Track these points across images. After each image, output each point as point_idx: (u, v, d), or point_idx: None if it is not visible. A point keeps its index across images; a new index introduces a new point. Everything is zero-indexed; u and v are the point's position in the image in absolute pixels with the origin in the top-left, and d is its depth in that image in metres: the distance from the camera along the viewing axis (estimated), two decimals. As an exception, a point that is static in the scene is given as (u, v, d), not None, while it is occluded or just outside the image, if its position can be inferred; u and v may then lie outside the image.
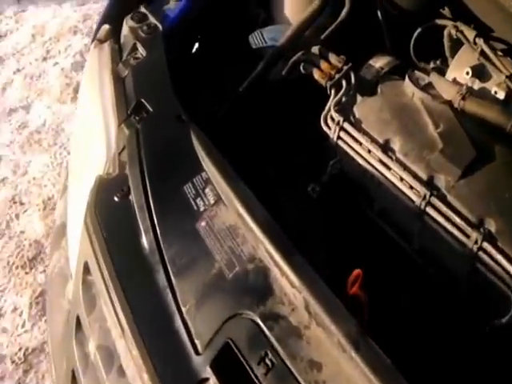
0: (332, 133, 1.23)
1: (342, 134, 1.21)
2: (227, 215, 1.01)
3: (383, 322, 0.91)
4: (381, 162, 1.13)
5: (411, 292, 1.08)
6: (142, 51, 1.35)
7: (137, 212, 1.04)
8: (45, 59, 3.09)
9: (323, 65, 1.41)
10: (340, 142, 1.22)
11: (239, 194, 1.00)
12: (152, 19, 1.43)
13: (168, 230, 1.01)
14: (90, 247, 1.02)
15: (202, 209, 1.04)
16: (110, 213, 1.09)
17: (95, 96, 1.25)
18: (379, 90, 1.30)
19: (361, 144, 1.17)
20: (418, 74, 1.28)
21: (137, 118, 1.20)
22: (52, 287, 1.32)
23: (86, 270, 1.02)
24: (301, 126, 1.40)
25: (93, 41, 1.48)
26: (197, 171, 1.08)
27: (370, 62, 1.39)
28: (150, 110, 1.21)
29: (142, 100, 1.22)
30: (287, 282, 0.88)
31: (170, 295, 0.93)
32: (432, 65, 1.31)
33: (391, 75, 1.34)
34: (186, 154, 1.11)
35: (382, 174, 1.13)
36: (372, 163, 1.15)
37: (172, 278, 0.96)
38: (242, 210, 0.99)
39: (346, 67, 1.38)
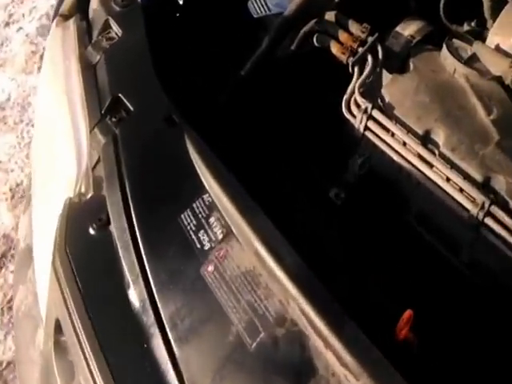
0: (357, 122, 1.06)
1: (371, 124, 1.04)
2: (242, 256, 0.79)
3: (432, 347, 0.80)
4: (420, 157, 0.96)
5: (460, 309, 0.93)
6: (116, 30, 1.12)
7: (120, 251, 0.85)
8: (7, 24, 2.73)
9: (342, 36, 1.18)
10: (368, 134, 1.05)
11: (257, 226, 0.79)
12: None
13: (164, 278, 0.80)
14: (61, 300, 0.85)
15: (206, 247, 0.82)
16: (85, 251, 0.89)
17: (59, 90, 1.01)
18: (412, 65, 1.13)
19: (394, 135, 1.01)
20: (457, 42, 1.12)
21: (114, 119, 0.98)
22: (19, 331, 1.07)
23: (58, 328, 0.77)
24: (316, 113, 1.23)
25: (54, 17, 1.18)
26: (197, 193, 0.86)
27: (397, 29, 1.19)
28: (131, 108, 0.99)
29: (120, 95, 1.00)
30: (335, 357, 0.67)
31: (171, 372, 0.72)
32: (466, 27, 1.15)
33: (424, 45, 1.17)
34: (182, 168, 0.90)
35: (421, 172, 0.96)
36: (409, 159, 0.98)
37: (173, 347, 0.74)
38: (262, 250, 0.78)
39: (371, 38, 1.15)
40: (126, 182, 0.88)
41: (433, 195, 0.96)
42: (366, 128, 1.05)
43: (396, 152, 1.01)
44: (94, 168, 0.95)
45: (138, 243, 0.83)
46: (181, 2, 1.34)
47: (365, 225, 1.06)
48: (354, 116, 1.07)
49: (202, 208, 0.83)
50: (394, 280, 0.93)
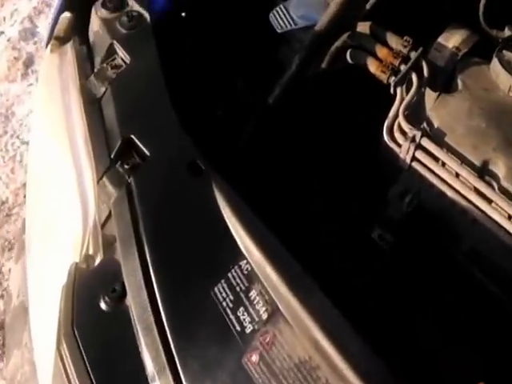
0: (403, 152, 0.97)
1: (419, 154, 0.95)
2: (294, 342, 0.65)
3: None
4: (477, 192, 0.88)
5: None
6: (123, 56, 0.96)
7: (140, 334, 0.70)
8: (-13, 29, 2.52)
9: (380, 51, 1.04)
10: (416, 165, 0.95)
11: (312, 304, 0.66)
12: (134, 5, 1.03)
13: (196, 370, 0.67)
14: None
15: (248, 329, 0.68)
16: (97, 332, 0.75)
17: (58, 130, 0.86)
18: (460, 83, 1.02)
19: (445, 166, 0.92)
20: (508, 54, 1.01)
21: (126, 166, 0.84)
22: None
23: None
24: (350, 141, 1.12)
25: (48, 41, 1.01)
26: (232, 259, 0.72)
27: (440, 40, 1.07)
28: (147, 153, 0.84)
29: (132, 137, 0.85)
30: None
31: None
32: (508, 32, 1.03)
33: (471, 58, 1.05)
34: (212, 228, 0.76)
35: (478, 208, 0.87)
36: (464, 194, 0.89)
37: None
38: (319, 335, 0.64)
39: (414, 54, 1.02)
40: (144, 245, 0.74)
41: (491, 234, 0.87)
42: (414, 159, 0.96)
43: (449, 186, 0.92)
44: (103, 225, 0.82)
45: (162, 324, 0.70)
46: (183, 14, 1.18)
47: (413, 269, 0.98)
48: (398, 145, 0.98)
49: (240, 278, 0.69)
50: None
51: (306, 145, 1.09)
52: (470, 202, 0.89)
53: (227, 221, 0.74)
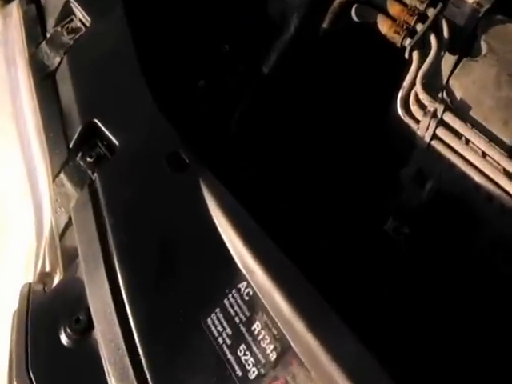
0: (421, 129, 0.86)
1: (440, 131, 0.85)
2: None
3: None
4: (507, 174, 0.80)
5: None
6: (82, 16, 0.79)
7: (111, 378, 0.56)
8: None
9: (393, 7, 0.91)
10: (436, 144, 0.86)
11: (333, 343, 0.52)
12: None
13: None
14: None
15: (252, 374, 0.53)
16: (57, 373, 0.60)
17: (2, 114, 0.65)
18: (484, 46, 0.90)
19: (469, 144, 0.83)
20: None
21: (89, 159, 0.68)
22: None
23: None
24: (357, 115, 1.00)
25: (-13, -1, 0.84)
26: (229, 281, 0.58)
27: None
28: (115, 142, 0.67)
29: (96, 121, 0.69)
30: None
31: None
32: None
33: (495, 15, 0.93)
34: (200, 239, 0.61)
35: (507, 193, 0.80)
36: (491, 176, 0.81)
37: None
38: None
39: (432, 10, 0.89)
40: (114, 262, 0.60)
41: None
42: (435, 136, 0.86)
43: (474, 167, 0.84)
44: (62, 235, 0.67)
45: (140, 366, 0.55)
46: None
47: (431, 263, 0.89)
48: (416, 120, 0.87)
49: (239, 306, 0.55)
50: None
51: (308, 123, 0.93)
52: (498, 185, 0.81)
53: (220, 230, 0.59)
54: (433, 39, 0.88)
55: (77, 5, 0.79)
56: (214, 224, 0.60)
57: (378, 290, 0.75)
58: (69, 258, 0.64)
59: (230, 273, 0.57)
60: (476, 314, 0.85)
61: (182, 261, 0.59)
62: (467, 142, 0.85)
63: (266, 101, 0.85)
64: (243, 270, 0.57)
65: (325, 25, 0.93)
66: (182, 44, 0.87)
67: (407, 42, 0.88)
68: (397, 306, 0.78)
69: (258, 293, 0.56)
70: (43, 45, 0.78)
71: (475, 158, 0.84)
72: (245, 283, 0.57)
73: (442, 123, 0.85)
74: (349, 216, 0.88)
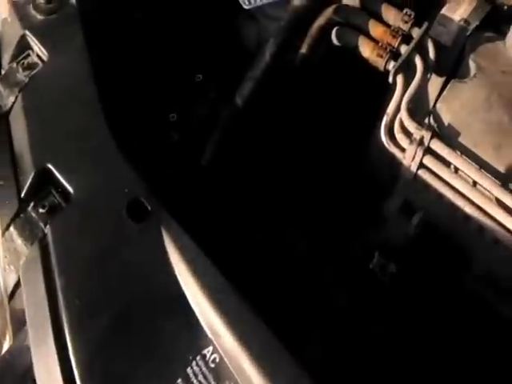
0: (408, 157, 0.83)
1: (428, 160, 0.81)
2: None
3: None
4: (500, 203, 0.77)
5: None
6: (39, 51, 0.74)
7: None
8: None
9: (375, 29, 0.88)
10: (423, 174, 0.83)
11: None
12: None
13: None
14: None
15: None
16: None
17: None
18: (472, 65, 0.87)
19: (459, 172, 0.81)
20: None
21: (41, 210, 0.62)
22: None
23: None
24: (340, 145, 0.95)
25: None
26: (193, 346, 0.52)
27: (444, 11, 0.91)
28: (70, 190, 0.62)
29: (50, 166, 0.64)
30: None
31: None
32: None
33: (484, 32, 0.89)
34: (162, 299, 0.55)
35: (500, 224, 0.77)
36: (482, 207, 0.78)
37: None
38: None
39: (417, 31, 0.86)
40: (65, 328, 0.54)
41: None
42: (422, 166, 0.82)
43: (463, 197, 0.80)
44: (11, 296, 0.61)
45: None
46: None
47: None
48: (401, 148, 0.84)
49: (204, 375, 0.50)
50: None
51: (285, 154, 0.89)
52: (490, 216, 0.78)
53: (184, 288, 0.53)
54: (418, 61, 0.84)
55: (34, 38, 0.75)
56: (177, 281, 0.54)
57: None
58: (18, 323, 0.59)
59: (194, 337, 0.52)
60: (465, 352, 0.82)
61: (140, 325, 0.54)
62: (456, 170, 0.82)
63: (240, 132, 0.79)
64: (209, 333, 0.52)
65: (303, 50, 0.89)
66: (152, 77, 0.83)
67: (391, 66, 0.84)
68: (386, 351, 0.74)
69: (226, 359, 0.51)
70: (-4, 84, 0.74)
71: (465, 188, 0.80)
72: (210, 348, 0.52)
73: (429, 151, 0.82)
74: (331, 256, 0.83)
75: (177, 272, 0.55)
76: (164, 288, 0.54)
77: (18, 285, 0.60)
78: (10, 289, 0.61)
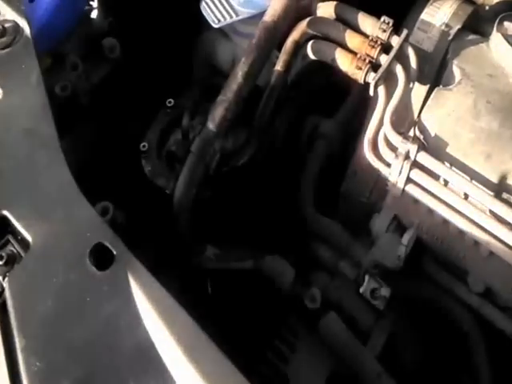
0: (394, 173, 0.78)
1: (416, 174, 0.77)
2: None
3: None
4: (494, 215, 0.73)
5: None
6: None
7: None
8: None
9: (352, 40, 0.82)
10: (411, 189, 0.78)
11: None
12: (7, 11, 0.75)
13: None
14: None
15: None
16: None
17: None
18: (456, 71, 0.82)
19: (448, 186, 0.77)
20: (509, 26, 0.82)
21: (1, 262, 0.57)
22: None
23: None
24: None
25: None
26: None
27: (424, 16, 0.88)
28: (28, 238, 0.57)
29: (6, 214, 0.59)
30: None
31: None
32: None
33: (467, 35, 0.86)
34: (130, 355, 0.50)
35: (495, 237, 0.73)
36: (475, 220, 0.74)
37: None
38: None
39: (396, 39, 0.80)
40: None
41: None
42: (409, 180, 0.78)
43: (456, 211, 0.75)
44: None
45: None
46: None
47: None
48: (386, 164, 0.79)
49: None
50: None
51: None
52: (483, 229, 0.74)
53: (155, 341, 0.48)
54: (399, 70, 0.80)
55: None
56: (147, 334, 0.49)
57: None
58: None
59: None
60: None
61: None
62: (446, 183, 0.77)
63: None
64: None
65: (278, 67, 0.84)
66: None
67: (371, 77, 0.79)
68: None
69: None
70: None
71: (456, 201, 0.75)
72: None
73: (416, 165, 0.77)
74: None
75: (147, 323, 0.50)
76: (133, 343, 0.49)
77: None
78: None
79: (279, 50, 0.84)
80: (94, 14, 0.88)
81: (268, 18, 0.78)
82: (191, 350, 0.47)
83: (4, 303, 0.53)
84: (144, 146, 0.82)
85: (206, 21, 0.92)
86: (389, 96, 0.79)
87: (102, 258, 0.54)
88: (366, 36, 0.80)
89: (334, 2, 0.84)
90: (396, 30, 0.80)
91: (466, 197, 0.76)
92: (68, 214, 0.56)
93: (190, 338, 0.47)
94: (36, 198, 0.59)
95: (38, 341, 0.50)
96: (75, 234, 0.55)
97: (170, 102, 0.86)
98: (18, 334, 0.51)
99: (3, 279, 0.56)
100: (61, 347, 0.50)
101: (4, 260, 0.56)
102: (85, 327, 0.51)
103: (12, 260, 0.56)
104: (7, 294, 0.53)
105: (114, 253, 0.54)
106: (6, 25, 0.73)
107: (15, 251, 0.57)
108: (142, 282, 0.52)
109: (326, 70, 0.96)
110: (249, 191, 0.92)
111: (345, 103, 0.97)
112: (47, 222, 0.57)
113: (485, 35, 0.86)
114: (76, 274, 0.53)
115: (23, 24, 0.73)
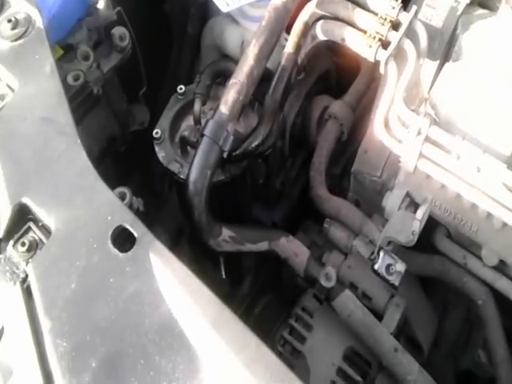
0: (406, 149, 0.78)
1: (428, 149, 0.77)
2: None
3: None
4: (507, 187, 0.72)
5: None
6: (8, 80, 0.69)
7: None
8: None
9: (362, 19, 0.81)
10: (424, 164, 0.78)
11: None
12: (19, 2, 0.75)
13: None
14: None
15: None
16: None
17: None
18: (467, 47, 0.81)
19: (460, 160, 0.76)
20: None
21: (21, 247, 0.58)
22: None
23: None
24: None
25: None
26: (189, 373, 0.48)
27: None
28: (50, 223, 0.57)
29: (27, 201, 0.60)
30: None
31: None
32: None
33: (475, 9, 0.85)
34: (154, 330, 0.51)
35: (508, 208, 0.72)
36: (489, 192, 0.74)
37: None
38: None
39: (406, 15, 0.79)
40: (53, 372, 0.50)
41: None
42: (421, 155, 0.78)
43: (469, 184, 0.76)
44: None
45: None
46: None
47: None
48: (398, 140, 0.79)
49: None
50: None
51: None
52: (496, 201, 0.74)
53: (178, 317, 0.48)
54: (409, 47, 0.79)
55: (1, 66, 0.70)
56: (170, 311, 0.50)
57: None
58: (5, 372, 0.54)
59: (192, 367, 0.47)
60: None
61: (134, 364, 0.49)
62: (458, 157, 0.77)
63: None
64: (208, 363, 0.48)
65: (288, 48, 0.84)
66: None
67: (381, 55, 0.78)
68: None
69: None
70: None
71: (469, 174, 0.75)
72: (211, 375, 0.47)
73: (428, 140, 0.77)
74: None
75: (170, 301, 0.51)
76: (157, 321, 0.50)
77: (1, 332, 0.55)
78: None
79: (288, 32, 0.83)
80: (101, 5, 0.88)
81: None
82: (215, 325, 0.48)
83: (28, 287, 0.54)
84: (157, 133, 0.82)
85: (213, 7, 0.92)
86: (399, 73, 0.79)
87: (123, 240, 0.55)
88: (375, 14, 0.79)
89: None
90: (404, 7, 0.79)
91: (479, 170, 0.75)
92: (88, 199, 0.57)
93: (214, 313, 0.48)
94: (55, 185, 0.59)
95: (64, 322, 0.51)
96: (96, 217, 0.56)
97: (180, 89, 0.87)
98: (44, 316, 0.52)
99: (26, 265, 0.56)
100: (86, 327, 0.51)
101: (26, 246, 0.57)
102: (109, 307, 0.51)
103: (34, 246, 0.57)
104: (31, 278, 0.54)
105: (135, 235, 0.54)
106: (18, 16, 0.73)
107: (36, 238, 0.58)
108: (164, 261, 0.52)
109: (334, 52, 0.97)
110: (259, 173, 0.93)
111: (354, 84, 0.97)
112: (68, 207, 0.57)
113: (492, 9, 0.86)
114: (99, 257, 0.54)
115: (35, 15, 0.73)
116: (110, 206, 0.56)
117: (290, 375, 0.46)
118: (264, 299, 0.96)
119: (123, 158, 0.99)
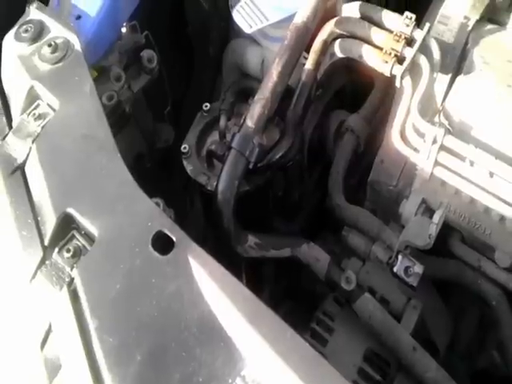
0: (422, 157, 0.82)
1: (443, 157, 0.81)
2: None
3: None
4: None
5: None
6: (49, 100, 0.73)
7: None
8: None
9: (378, 36, 0.86)
10: (439, 171, 0.82)
11: None
12: (57, 28, 0.80)
13: None
14: None
15: None
16: None
17: None
18: (478, 60, 0.85)
19: (473, 166, 0.81)
20: None
21: (67, 254, 0.62)
22: None
23: None
24: None
25: None
26: (230, 369, 0.52)
27: (443, 10, 0.90)
28: (94, 232, 0.62)
29: (72, 211, 0.64)
30: None
31: None
32: None
33: (485, 25, 0.89)
34: (194, 327, 0.55)
35: None
36: (502, 197, 0.77)
37: None
38: None
39: (419, 32, 0.83)
40: (101, 366, 0.54)
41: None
42: (436, 163, 0.81)
43: (482, 189, 0.79)
44: (43, 344, 0.60)
45: None
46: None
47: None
48: (414, 149, 0.83)
49: None
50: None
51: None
52: (509, 204, 0.77)
53: (217, 313, 0.52)
54: (423, 62, 0.83)
55: (43, 88, 0.74)
56: (209, 308, 0.54)
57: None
58: (53, 368, 0.58)
59: (231, 360, 0.51)
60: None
61: (176, 357, 0.52)
62: (472, 163, 0.80)
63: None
64: (246, 354, 0.51)
65: (308, 66, 0.88)
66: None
67: (397, 70, 0.82)
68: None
69: (266, 379, 0.50)
70: (9, 136, 0.72)
71: (482, 179, 0.79)
72: (249, 368, 0.51)
73: (443, 148, 0.80)
74: None
75: (209, 298, 0.55)
76: (197, 316, 0.54)
77: (49, 331, 0.59)
78: (41, 336, 0.60)
79: (307, 51, 0.88)
80: (131, 30, 0.94)
81: (299, 20, 0.82)
82: (251, 318, 0.51)
83: (74, 290, 0.58)
84: (185, 148, 0.87)
85: (234, 29, 0.98)
86: (414, 86, 0.83)
87: (163, 243, 0.59)
88: (390, 31, 0.84)
89: (359, 2, 0.88)
90: (418, 24, 0.83)
91: (491, 175, 0.78)
92: (128, 208, 0.61)
93: (250, 308, 0.52)
94: (97, 196, 0.63)
95: (110, 320, 0.55)
96: (137, 224, 0.60)
97: (206, 106, 0.92)
98: (91, 315, 0.55)
99: (71, 270, 0.60)
100: (131, 324, 0.54)
101: (71, 253, 0.61)
102: (152, 305, 0.55)
103: (78, 252, 0.61)
104: (77, 281, 0.58)
105: (174, 239, 0.58)
106: (58, 41, 0.78)
107: (80, 244, 0.62)
108: (201, 262, 0.56)
109: (349, 69, 1.02)
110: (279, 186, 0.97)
111: (369, 98, 1.01)
112: (110, 215, 0.61)
113: (502, 24, 0.90)
114: (141, 260, 0.57)
115: (73, 40, 0.77)
116: (150, 213, 0.60)
117: (323, 362, 0.49)
118: (284, 306, 0.99)
119: (149, 175, 1.03)
